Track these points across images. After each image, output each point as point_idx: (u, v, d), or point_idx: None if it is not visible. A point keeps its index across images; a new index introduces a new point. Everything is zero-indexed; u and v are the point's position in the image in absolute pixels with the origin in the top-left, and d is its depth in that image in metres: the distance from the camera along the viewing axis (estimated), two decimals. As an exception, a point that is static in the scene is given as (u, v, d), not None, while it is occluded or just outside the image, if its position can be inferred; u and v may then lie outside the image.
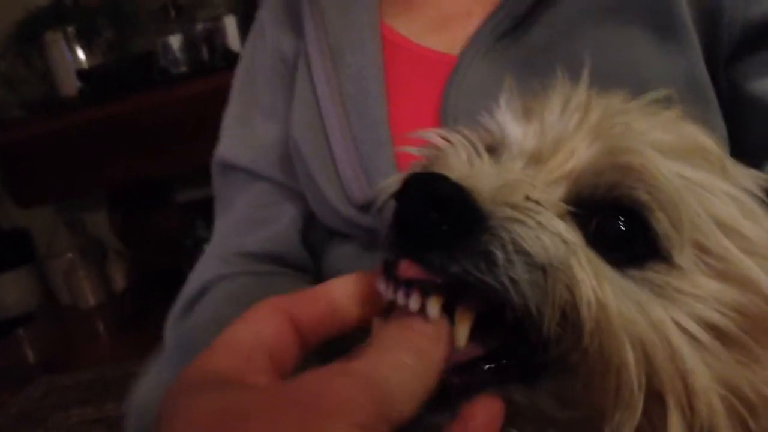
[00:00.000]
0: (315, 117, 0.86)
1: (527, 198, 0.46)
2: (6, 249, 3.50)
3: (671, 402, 0.45)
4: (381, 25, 0.89)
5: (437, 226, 0.42)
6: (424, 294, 0.43)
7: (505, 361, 0.45)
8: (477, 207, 0.43)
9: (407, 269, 0.43)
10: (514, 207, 0.45)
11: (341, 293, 0.47)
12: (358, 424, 0.35)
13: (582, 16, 0.78)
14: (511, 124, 0.54)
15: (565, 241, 0.44)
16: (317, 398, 0.35)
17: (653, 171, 0.48)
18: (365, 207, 0.78)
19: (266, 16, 1.01)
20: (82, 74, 3.07)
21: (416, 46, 0.87)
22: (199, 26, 3.02)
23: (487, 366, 0.45)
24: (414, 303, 0.42)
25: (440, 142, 0.53)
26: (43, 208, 3.38)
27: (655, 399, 0.45)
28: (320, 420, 0.34)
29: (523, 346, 0.45)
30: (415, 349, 0.41)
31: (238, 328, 0.43)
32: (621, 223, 0.48)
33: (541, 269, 0.43)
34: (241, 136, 0.97)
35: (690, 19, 0.76)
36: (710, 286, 0.47)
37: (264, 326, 0.43)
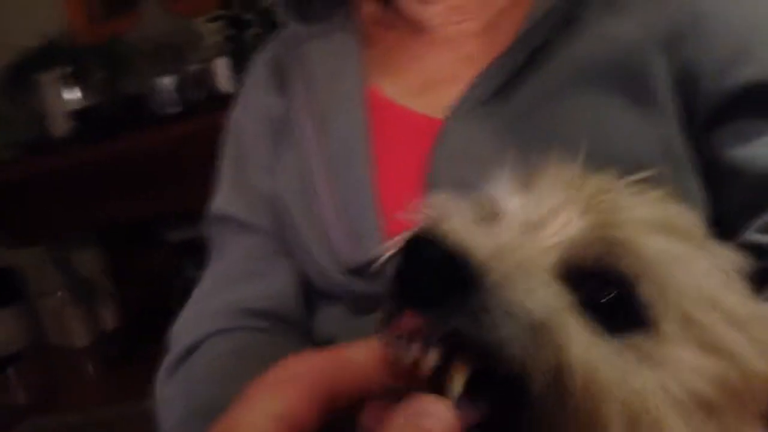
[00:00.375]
0: (304, 182, 0.86)
1: (519, 264, 0.48)
2: (-4, 288, 3.48)
3: None
4: (371, 89, 0.90)
5: (435, 287, 0.45)
6: (425, 345, 0.45)
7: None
8: (472, 269, 0.46)
9: (408, 323, 0.46)
10: (506, 271, 0.47)
11: (368, 359, 0.47)
12: None
13: (563, 83, 0.79)
14: (507, 195, 0.55)
15: (555, 304, 0.47)
16: None
17: (638, 244, 0.50)
18: (355, 271, 0.78)
19: (257, 75, 1.02)
20: (74, 114, 3.09)
21: (402, 109, 0.88)
22: (191, 68, 3.06)
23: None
24: (415, 353, 0.45)
25: (434, 209, 0.55)
26: (33, 247, 3.37)
27: None
28: None
29: (512, 410, 0.46)
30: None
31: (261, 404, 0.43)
32: (608, 293, 0.50)
33: (532, 330, 0.45)
34: (235, 188, 0.97)
35: (667, 88, 0.77)
36: (694, 356, 0.49)
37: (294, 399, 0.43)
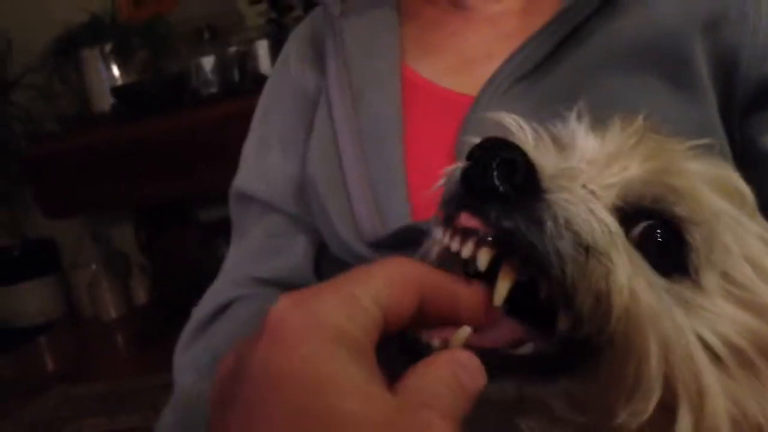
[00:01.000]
0: (332, 155, 0.87)
1: (584, 186, 0.50)
2: (31, 258, 3.54)
3: (684, 402, 0.47)
4: (403, 67, 0.90)
5: (499, 186, 0.46)
6: (478, 245, 0.46)
7: (527, 353, 0.48)
8: (538, 177, 0.48)
9: (467, 220, 0.47)
10: (570, 190, 0.49)
11: (466, 296, 0.48)
12: None
13: (601, 63, 0.79)
14: (578, 132, 0.57)
15: (610, 231, 0.48)
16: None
17: (696, 194, 0.52)
18: (376, 244, 0.79)
19: (292, 49, 1.03)
20: (115, 91, 3.13)
21: (436, 87, 0.88)
22: (232, 49, 3.08)
23: (505, 355, 0.47)
24: (468, 250, 0.46)
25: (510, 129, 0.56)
26: (70, 220, 3.42)
27: (667, 398, 0.47)
28: None
29: (551, 329, 0.48)
30: (458, 378, 0.42)
31: (372, 275, 0.43)
32: (659, 234, 0.51)
33: (585, 249, 0.46)
34: (258, 167, 0.98)
35: (706, 72, 0.77)
36: (731, 309, 0.51)
37: (396, 290, 0.43)
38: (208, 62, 3.04)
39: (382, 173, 0.83)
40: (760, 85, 0.77)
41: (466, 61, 0.89)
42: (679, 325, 0.48)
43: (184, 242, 3.20)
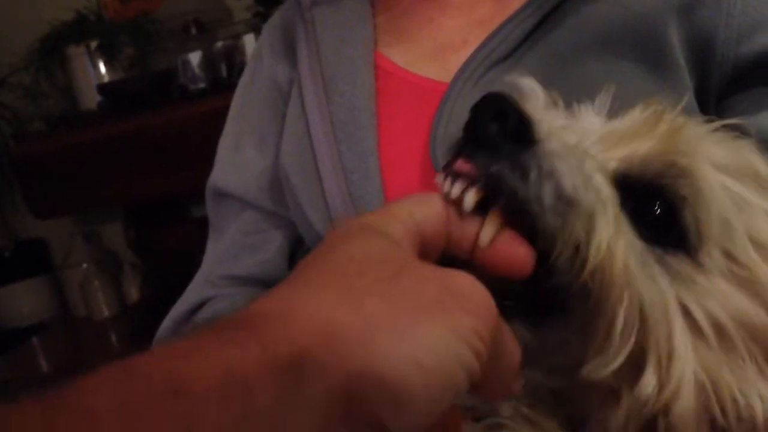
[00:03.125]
0: (305, 146, 0.86)
1: (579, 146, 0.53)
2: (23, 258, 3.52)
3: (652, 362, 0.49)
4: (376, 55, 0.90)
5: (490, 133, 0.50)
6: (467, 187, 0.50)
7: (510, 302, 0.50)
8: (531, 129, 0.51)
9: (461, 165, 0.51)
10: (565, 146, 0.52)
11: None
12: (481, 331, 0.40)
13: (576, 48, 0.79)
14: (588, 113, 0.60)
15: (598, 192, 0.51)
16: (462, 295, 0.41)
17: (697, 173, 0.54)
18: None
19: (265, 43, 1.03)
20: (102, 89, 3.11)
21: (410, 74, 0.88)
22: (219, 44, 3.06)
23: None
24: (456, 190, 0.50)
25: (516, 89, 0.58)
26: (60, 219, 3.41)
27: (637, 355, 0.50)
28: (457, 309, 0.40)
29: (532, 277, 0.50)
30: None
31: (409, 206, 0.47)
32: (657, 208, 0.54)
33: (566, 201, 0.49)
34: (233, 163, 0.98)
35: (681, 56, 0.77)
36: (726, 288, 0.52)
37: (428, 214, 0.48)
38: (195, 57, 3.03)
39: (355, 163, 0.83)
40: (736, 67, 0.78)
41: (440, 48, 0.89)
42: (661, 290, 0.50)
43: (176, 238, 3.19)
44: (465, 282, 0.41)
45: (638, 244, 0.52)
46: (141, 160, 2.84)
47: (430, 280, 0.40)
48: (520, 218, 0.49)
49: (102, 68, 3.26)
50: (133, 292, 3.49)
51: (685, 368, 0.49)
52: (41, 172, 2.93)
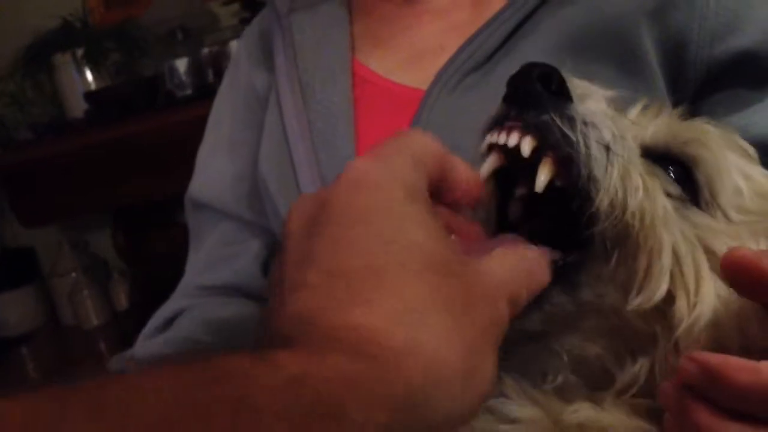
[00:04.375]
0: (283, 153, 0.86)
1: (606, 111, 0.58)
2: (10, 267, 3.50)
3: (682, 293, 0.55)
4: (353, 62, 0.89)
5: (539, 93, 0.55)
6: (523, 131, 0.55)
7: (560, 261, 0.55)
8: (569, 89, 0.56)
9: (512, 122, 0.55)
10: (598, 108, 0.57)
11: (467, 178, 0.53)
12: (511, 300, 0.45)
13: (550, 52, 0.79)
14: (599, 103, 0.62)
15: (629, 146, 0.56)
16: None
17: (706, 140, 0.60)
18: None
19: (243, 49, 1.02)
20: (89, 96, 3.10)
21: (387, 81, 0.88)
22: (206, 50, 3.06)
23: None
24: (513, 140, 0.55)
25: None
26: (48, 227, 3.39)
27: (671, 288, 0.55)
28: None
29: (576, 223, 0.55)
30: (531, 271, 0.49)
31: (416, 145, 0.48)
32: (671, 171, 0.59)
33: (605, 147, 0.54)
34: (207, 172, 0.98)
35: (654, 58, 0.77)
36: (740, 232, 0.58)
37: (432, 157, 0.49)
38: (181, 64, 3.02)
39: (333, 170, 0.82)
40: (710, 69, 0.78)
41: (417, 54, 0.88)
42: (686, 232, 0.56)
43: (164, 244, 3.18)
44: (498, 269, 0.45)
45: (667, 188, 0.58)
46: (128, 167, 2.83)
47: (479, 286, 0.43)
48: (567, 166, 0.54)
49: (88, 75, 3.24)
50: (122, 300, 3.48)
51: (710, 294, 0.54)
52: (28, 180, 2.91)
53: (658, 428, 0.54)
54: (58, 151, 2.91)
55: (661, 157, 0.60)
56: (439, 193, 0.51)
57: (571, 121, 0.54)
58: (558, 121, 0.54)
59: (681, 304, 0.55)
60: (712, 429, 0.45)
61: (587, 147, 0.53)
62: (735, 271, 0.49)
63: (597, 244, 0.55)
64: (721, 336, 0.54)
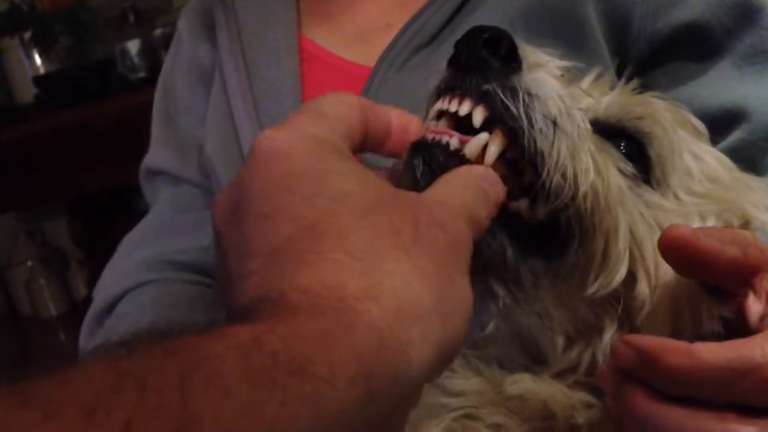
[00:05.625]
0: (229, 130, 0.85)
1: (561, 77, 0.56)
2: (-35, 259, 3.44)
3: (642, 273, 0.54)
4: (300, 38, 0.88)
5: (485, 58, 0.52)
6: (474, 105, 0.52)
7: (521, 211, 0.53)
8: (519, 57, 0.53)
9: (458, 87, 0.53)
10: (548, 78, 0.54)
11: (397, 122, 0.52)
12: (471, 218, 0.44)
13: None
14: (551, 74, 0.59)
15: (577, 122, 0.54)
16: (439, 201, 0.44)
17: (658, 117, 0.59)
18: None
19: (184, 27, 1.00)
20: (38, 81, 3.04)
21: (335, 58, 0.86)
22: (158, 32, 3.00)
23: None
24: (465, 108, 0.52)
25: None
26: (2, 217, 3.33)
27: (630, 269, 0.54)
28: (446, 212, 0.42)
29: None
30: (481, 187, 0.48)
31: (328, 102, 0.47)
32: (623, 146, 0.57)
33: (553, 122, 0.52)
34: (164, 140, 0.96)
35: (600, 32, 0.77)
36: (693, 216, 0.57)
37: (348, 112, 0.48)
38: (133, 46, 2.97)
39: None
40: (654, 42, 0.78)
41: (364, 31, 0.87)
42: (641, 212, 0.55)
43: (121, 233, 3.14)
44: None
45: (620, 167, 0.56)
46: (82, 154, 2.78)
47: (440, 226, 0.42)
48: (514, 139, 0.52)
49: (37, 60, 3.18)
50: (81, 289, 3.43)
51: (669, 275, 0.53)
52: (-22, 168, 2.85)
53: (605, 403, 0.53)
54: (8, 137, 2.84)
55: (613, 132, 0.58)
56: (374, 144, 0.51)
57: (513, 92, 0.51)
58: (500, 92, 0.51)
59: (642, 287, 0.53)
60: (650, 413, 0.44)
61: (531, 120, 0.51)
62: (673, 249, 0.48)
63: (553, 224, 0.53)
64: (677, 320, 0.53)
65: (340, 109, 0.47)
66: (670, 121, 0.60)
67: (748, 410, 0.43)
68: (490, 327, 0.55)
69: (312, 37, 0.88)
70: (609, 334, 0.54)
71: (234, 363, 0.30)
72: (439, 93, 0.55)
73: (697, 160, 0.60)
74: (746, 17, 0.77)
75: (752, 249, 0.47)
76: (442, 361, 0.39)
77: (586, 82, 0.63)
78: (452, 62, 0.54)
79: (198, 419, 0.27)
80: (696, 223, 0.56)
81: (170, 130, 0.96)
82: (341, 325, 0.34)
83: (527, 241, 0.53)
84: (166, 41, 3.02)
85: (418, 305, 0.37)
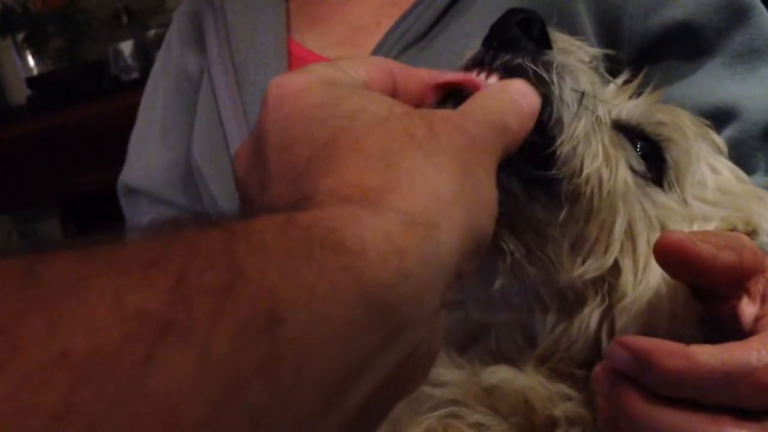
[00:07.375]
0: (217, 136, 0.84)
1: (585, 60, 0.57)
2: (-43, 260, 3.43)
3: (628, 266, 0.54)
4: (289, 41, 0.88)
5: (518, 36, 0.54)
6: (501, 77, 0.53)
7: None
8: (550, 37, 0.55)
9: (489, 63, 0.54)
10: (578, 63, 0.56)
11: (429, 80, 0.53)
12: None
13: (487, 26, 0.79)
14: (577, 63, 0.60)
15: (599, 114, 0.55)
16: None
17: (679, 123, 0.60)
18: None
19: (174, 31, 1.00)
20: (32, 82, 3.03)
21: (324, 60, 0.87)
22: (151, 32, 3.00)
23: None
24: (492, 81, 0.53)
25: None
26: (-5, 217, 3.32)
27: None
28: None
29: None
30: (511, 97, 0.48)
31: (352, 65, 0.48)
32: (639, 146, 0.58)
33: (581, 96, 0.53)
34: (141, 159, 0.96)
35: (591, 31, 0.77)
36: (699, 221, 0.58)
37: (370, 69, 0.48)
38: (127, 47, 2.96)
39: None
40: (644, 41, 0.78)
41: (353, 31, 0.87)
42: (645, 209, 0.55)
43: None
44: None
45: (631, 163, 0.57)
46: (75, 154, 2.77)
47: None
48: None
49: (30, 61, 3.17)
50: (74, 290, 3.42)
51: (657, 273, 0.53)
52: (-28, 170, 2.84)
53: (584, 396, 0.54)
54: (1, 138, 2.84)
55: (633, 133, 0.59)
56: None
57: (546, 65, 0.53)
58: (531, 65, 0.52)
59: (627, 279, 0.54)
60: (644, 416, 0.44)
61: (561, 89, 0.52)
62: (668, 256, 0.48)
63: (551, 190, 0.54)
64: (653, 317, 0.54)
65: (361, 65, 0.48)
66: (692, 131, 0.61)
67: (742, 413, 0.44)
68: (498, 283, 0.56)
69: (301, 40, 0.88)
70: (589, 317, 0.55)
71: (273, 235, 0.31)
72: (467, 68, 0.56)
73: (714, 172, 0.61)
74: (737, 16, 0.77)
75: (747, 253, 0.47)
76: (470, 250, 0.39)
77: (612, 86, 0.64)
78: (485, 42, 0.56)
79: (245, 276, 0.28)
80: (699, 226, 0.57)
81: (147, 147, 0.96)
82: (368, 210, 0.35)
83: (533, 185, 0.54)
84: (160, 42, 2.99)
85: (438, 194, 0.38)
